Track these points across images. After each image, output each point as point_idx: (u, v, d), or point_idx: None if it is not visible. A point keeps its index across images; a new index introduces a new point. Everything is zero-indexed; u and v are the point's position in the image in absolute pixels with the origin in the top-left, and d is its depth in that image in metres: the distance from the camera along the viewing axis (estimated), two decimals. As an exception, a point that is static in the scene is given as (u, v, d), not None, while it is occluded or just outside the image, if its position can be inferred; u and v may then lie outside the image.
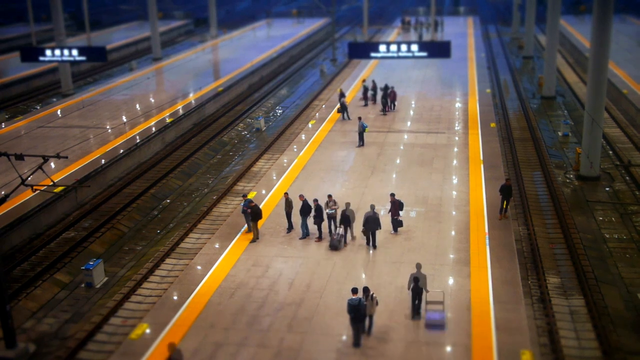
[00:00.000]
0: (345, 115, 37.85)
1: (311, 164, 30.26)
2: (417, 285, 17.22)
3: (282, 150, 34.35)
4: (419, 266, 17.74)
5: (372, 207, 21.45)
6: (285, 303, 18.12)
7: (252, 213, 22.13)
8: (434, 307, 17.32)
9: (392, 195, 22.76)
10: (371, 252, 21.04)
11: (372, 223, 21.13)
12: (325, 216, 22.22)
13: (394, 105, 39.42)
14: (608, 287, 21.34)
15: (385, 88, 40.07)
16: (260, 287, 19.10)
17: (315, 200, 22.24)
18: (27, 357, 17.93)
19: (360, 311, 15.88)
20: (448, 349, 15.94)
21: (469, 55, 60.11)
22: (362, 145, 32.47)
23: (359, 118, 33.49)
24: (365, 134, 32.79)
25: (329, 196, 22.54)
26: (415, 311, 17.29)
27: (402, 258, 20.52)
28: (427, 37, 70.42)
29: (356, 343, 16.06)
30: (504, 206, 23.68)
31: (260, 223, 22.56)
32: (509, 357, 15.50)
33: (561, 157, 35.01)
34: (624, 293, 21.26)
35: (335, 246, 21.38)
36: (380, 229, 21.40)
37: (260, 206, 23.69)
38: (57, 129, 37.62)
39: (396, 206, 22.45)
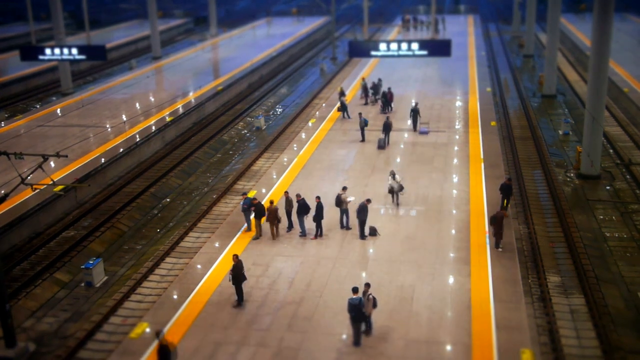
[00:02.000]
0: (345, 114, 37.81)
1: (311, 162, 30.22)
2: (415, 115, 34.27)
3: (282, 149, 34.32)
4: (416, 103, 35.42)
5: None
6: (285, 302, 18.09)
7: (256, 210, 22.11)
8: (424, 126, 34.63)
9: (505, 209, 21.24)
10: (371, 250, 21.02)
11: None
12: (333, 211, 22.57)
13: (391, 107, 39.27)
14: (608, 286, 21.31)
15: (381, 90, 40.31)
16: (260, 286, 19.07)
17: (318, 198, 22.23)
18: (27, 356, 17.92)
19: (360, 310, 15.85)
20: (448, 347, 15.91)
21: (470, 54, 60.05)
22: (363, 140, 32.54)
23: (360, 114, 33.54)
24: (366, 130, 32.90)
25: (344, 188, 22.96)
26: (414, 128, 34.29)
27: (402, 257, 20.49)
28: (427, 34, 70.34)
29: (356, 342, 16.03)
30: (505, 205, 23.63)
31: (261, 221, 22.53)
32: (509, 356, 15.47)
33: (562, 155, 34.97)
34: (625, 292, 21.24)
35: (382, 146, 31.09)
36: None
37: (260, 205, 23.65)
38: (56, 128, 37.60)
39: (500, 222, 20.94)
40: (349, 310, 15.96)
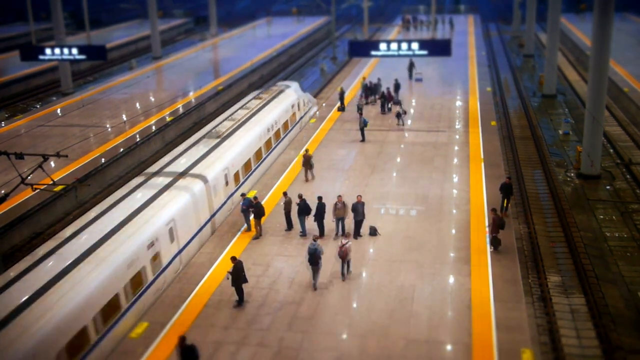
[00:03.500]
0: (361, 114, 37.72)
1: (311, 162, 30.19)
2: (410, 67, 46.64)
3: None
4: (412, 61, 45.95)
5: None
6: (286, 302, 18.09)
7: (255, 210, 22.10)
8: (418, 75, 47.03)
9: (494, 210, 21.04)
10: (371, 250, 21.01)
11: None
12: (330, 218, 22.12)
13: (390, 107, 39.22)
14: (609, 286, 21.33)
15: (377, 87, 40.82)
16: (260, 286, 19.07)
17: (319, 198, 22.18)
18: (27, 356, 17.88)
19: (314, 255, 18.40)
20: (448, 347, 15.91)
21: (470, 54, 60.04)
22: (363, 140, 32.55)
23: (360, 114, 33.57)
24: (366, 130, 32.90)
25: (339, 197, 22.07)
26: (410, 77, 46.50)
27: (403, 257, 20.49)
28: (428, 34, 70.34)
29: (314, 286, 18.50)
30: (505, 205, 23.62)
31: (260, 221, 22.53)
32: (510, 356, 15.47)
33: (562, 155, 34.98)
34: (625, 292, 21.25)
35: (397, 102, 38.09)
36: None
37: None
38: (57, 128, 37.61)
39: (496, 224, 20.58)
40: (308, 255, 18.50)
